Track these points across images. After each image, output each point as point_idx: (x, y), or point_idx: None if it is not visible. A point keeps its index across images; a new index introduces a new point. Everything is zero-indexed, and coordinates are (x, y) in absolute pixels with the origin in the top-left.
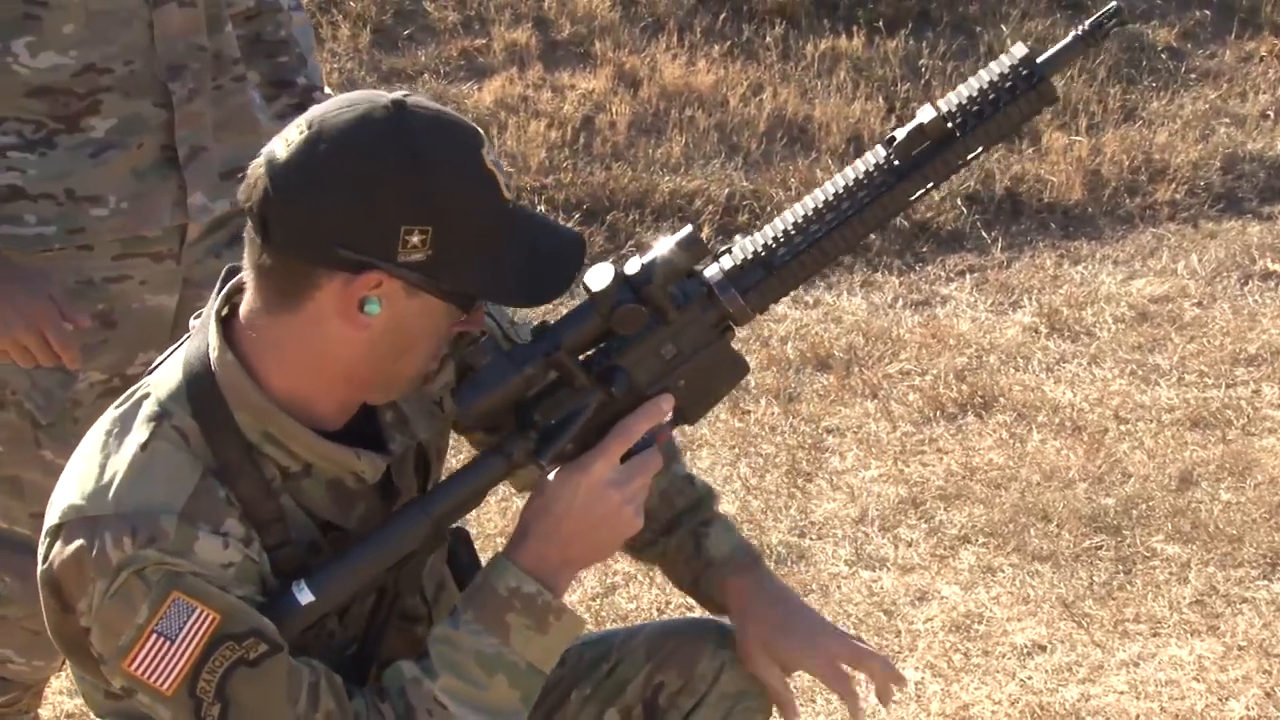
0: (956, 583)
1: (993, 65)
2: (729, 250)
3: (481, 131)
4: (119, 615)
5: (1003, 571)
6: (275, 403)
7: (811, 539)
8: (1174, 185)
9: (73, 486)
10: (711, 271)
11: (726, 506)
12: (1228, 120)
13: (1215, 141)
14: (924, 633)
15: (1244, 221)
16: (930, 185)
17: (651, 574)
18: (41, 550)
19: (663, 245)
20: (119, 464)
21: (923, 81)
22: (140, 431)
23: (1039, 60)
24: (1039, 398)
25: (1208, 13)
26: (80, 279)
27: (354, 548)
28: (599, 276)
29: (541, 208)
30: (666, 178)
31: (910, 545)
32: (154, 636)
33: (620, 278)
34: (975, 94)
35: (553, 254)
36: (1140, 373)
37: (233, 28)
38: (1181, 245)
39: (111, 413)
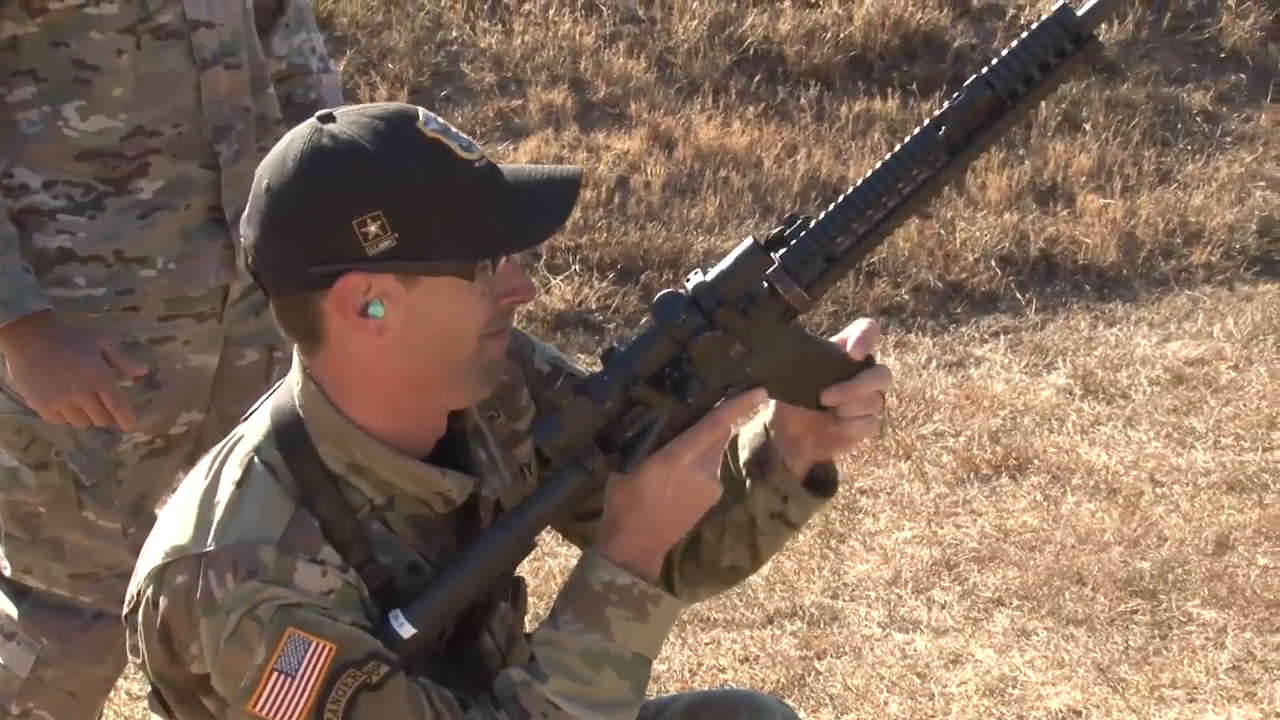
0: (990, 646)
1: (1035, 27)
2: (788, 239)
3: (419, 108)
4: (237, 658)
5: (1037, 635)
6: (361, 432)
7: (845, 600)
8: (1209, 248)
9: (172, 528)
10: (771, 267)
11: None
12: (1263, 183)
13: (1251, 204)
14: (958, 696)
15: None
16: (980, 155)
17: (683, 635)
18: (141, 592)
19: (726, 261)
20: (216, 503)
21: None
22: (234, 470)
23: (1080, 14)
24: (1074, 460)
25: (1243, 76)
26: (126, 340)
27: (445, 572)
28: (670, 308)
29: (576, 267)
30: (701, 238)
31: (944, 607)
32: (275, 675)
33: (689, 303)
34: (1024, 62)
35: (538, 194)
36: (1176, 436)
37: None
38: (1217, 308)
39: (206, 459)
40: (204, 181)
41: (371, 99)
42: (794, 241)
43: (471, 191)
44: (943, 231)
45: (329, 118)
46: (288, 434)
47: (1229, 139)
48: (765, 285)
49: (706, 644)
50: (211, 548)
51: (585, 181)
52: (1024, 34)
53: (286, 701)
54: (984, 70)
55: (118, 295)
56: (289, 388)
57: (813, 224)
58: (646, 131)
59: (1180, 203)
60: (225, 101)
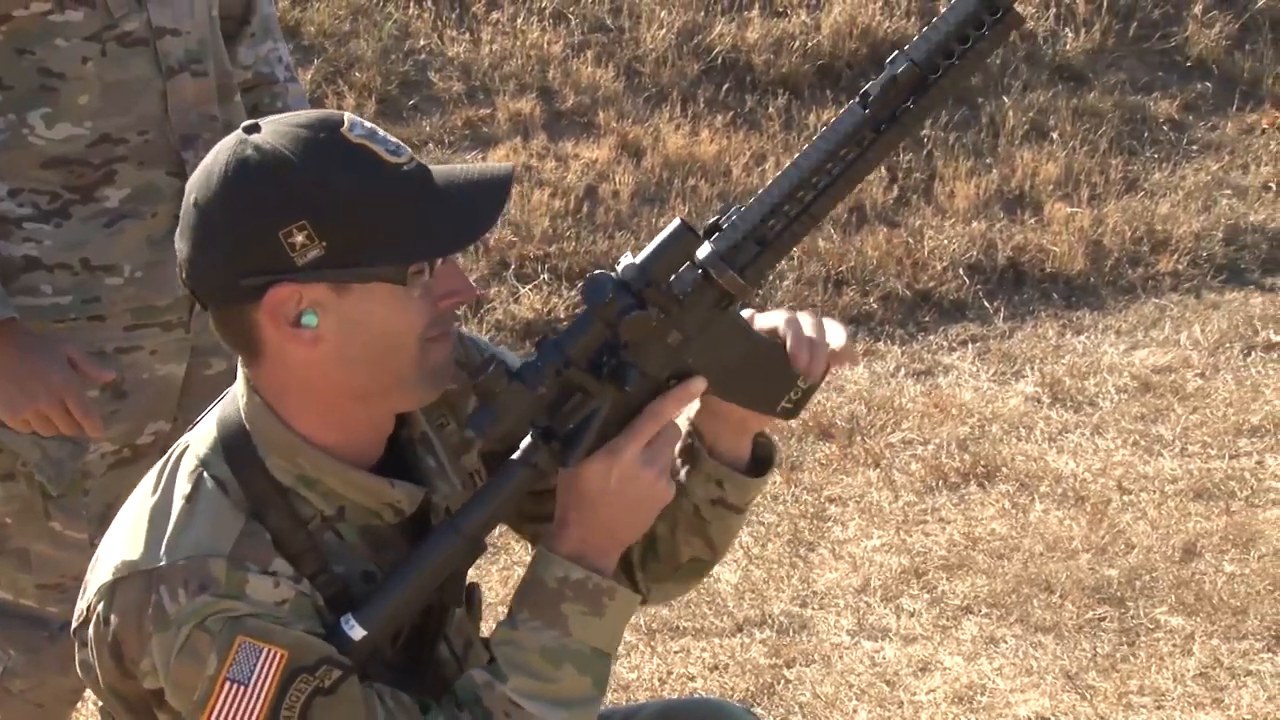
0: (959, 653)
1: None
2: (719, 227)
3: (345, 114)
4: (189, 671)
5: (1005, 642)
6: (307, 444)
7: (814, 609)
8: (1176, 256)
9: (122, 543)
10: (704, 252)
11: (728, 575)
12: (1229, 192)
13: (1217, 213)
14: (926, 704)
15: (1246, 293)
16: (909, 133)
17: (652, 644)
18: (91, 608)
19: (655, 242)
20: (166, 517)
21: (925, 152)
22: (183, 484)
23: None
24: (1041, 468)
25: (1209, 85)
26: (92, 350)
27: (394, 575)
28: (597, 288)
29: (544, 276)
30: None
31: (913, 615)
32: (228, 684)
33: (619, 284)
34: (943, 35)
35: (469, 195)
36: (1143, 443)
37: None
38: (1184, 316)
39: (154, 471)
40: (171, 189)
41: (339, 109)
42: (725, 226)
43: (399, 196)
44: (911, 240)
45: (254, 128)
46: (235, 446)
47: (1195, 147)
48: (700, 271)
49: (676, 652)
50: (163, 563)
51: (554, 191)
52: (945, 9)
53: (241, 710)
54: (905, 46)
55: (84, 304)
56: (234, 399)
57: (743, 209)
58: (615, 140)
59: (1147, 211)
60: (192, 109)
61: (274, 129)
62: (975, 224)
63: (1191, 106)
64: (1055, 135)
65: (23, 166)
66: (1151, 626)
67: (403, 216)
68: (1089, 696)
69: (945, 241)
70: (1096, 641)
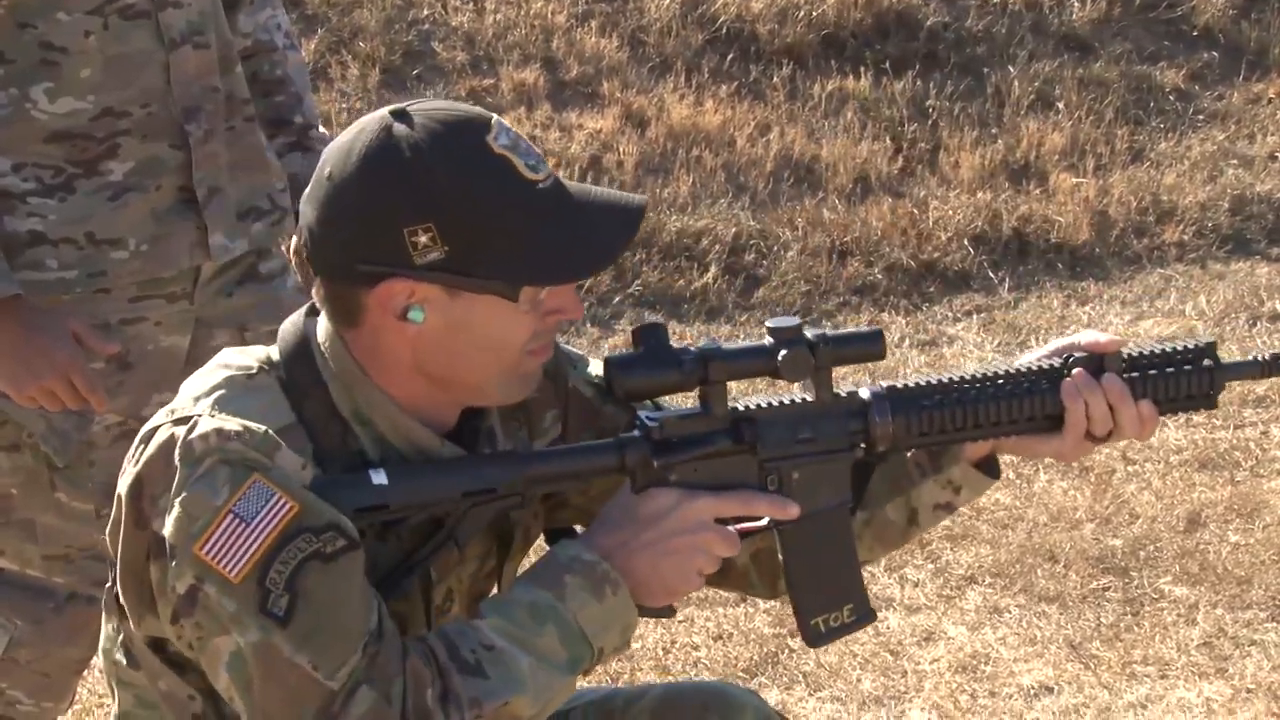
0: (963, 623)
1: (1179, 342)
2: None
3: (492, 117)
4: (199, 500)
5: (1009, 612)
6: (372, 382)
7: None
8: (1182, 226)
9: (174, 400)
10: (870, 391)
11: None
12: (1235, 162)
13: (1223, 183)
14: (930, 673)
15: (1252, 263)
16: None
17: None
18: (132, 451)
19: (854, 331)
20: (223, 381)
21: (930, 121)
22: (250, 361)
23: (1221, 359)
24: None
25: (1215, 54)
26: (96, 322)
27: (440, 463)
28: (783, 320)
29: None
30: (674, 217)
31: (917, 585)
32: (230, 517)
33: (802, 329)
34: (1158, 353)
35: (597, 222)
36: None
37: None
38: (1189, 286)
39: (220, 355)
40: (174, 162)
41: (343, 78)
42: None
43: (529, 214)
44: (915, 211)
45: (402, 115)
46: (299, 363)
47: (1201, 117)
48: (861, 396)
49: (680, 622)
50: (204, 412)
51: (558, 161)
52: (1171, 343)
53: (235, 547)
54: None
55: (89, 277)
56: (299, 326)
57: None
58: (619, 111)
59: (1153, 181)
60: (194, 81)
61: (421, 121)
62: (980, 194)
63: (1198, 76)
64: (1061, 105)
65: (26, 141)
66: (1155, 596)
67: (529, 236)
68: (1093, 666)
69: (950, 212)
70: (1100, 611)
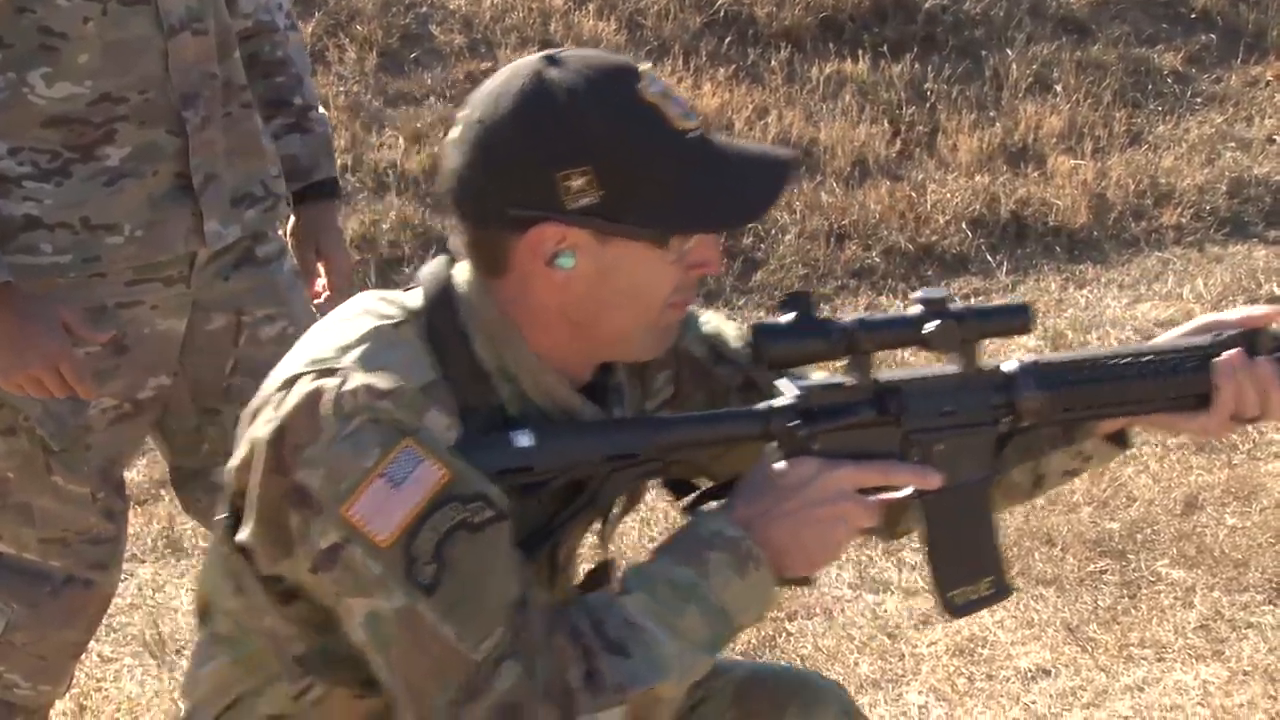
0: None
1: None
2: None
3: (642, 66)
4: (347, 459)
5: None
6: (521, 338)
7: None
8: (1180, 209)
9: (314, 345)
10: (1016, 365)
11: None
12: (1234, 144)
13: (1221, 165)
14: (928, 656)
15: (1250, 245)
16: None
17: None
18: (268, 397)
19: (995, 304)
20: (366, 332)
21: (928, 105)
22: (393, 311)
23: None
24: None
25: (1213, 37)
26: (92, 305)
27: (583, 425)
28: (932, 291)
29: None
30: None
31: (914, 568)
32: (379, 481)
33: (949, 301)
34: None
35: (747, 174)
36: None
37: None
38: (1187, 269)
39: (367, 295)
40: (171, 148)
41: (340, 61)
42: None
43: (680, 161)
44: (913, 194)
45: (553, 60)
46: (443, 316)
47: (1199, 100)
48: (1007, 368)
49: None
50: (353, 365)
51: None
52: None
53: (383, 512)
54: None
55: (85, 263)
56: (441, 274)
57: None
58: None
59: (1151, 164)
60: (193, 68)
61: (575, 68)
62: (978, 177)
63: (1196, 59)
64: (1059, 88)
65: (23, 125)
66: (1153, 579)
67: (680, 184)
68: (1089, 649)
69: (948, 195)
70: (1097, 594)
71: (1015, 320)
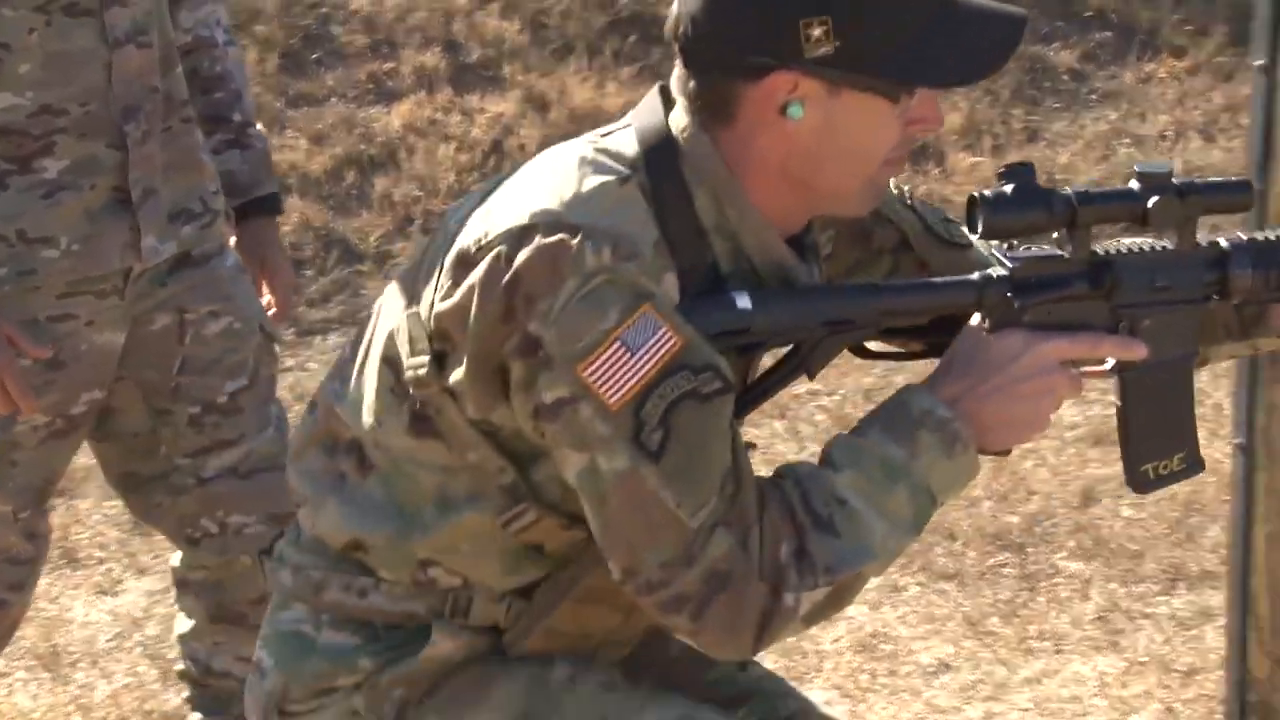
0: (863, 602)
1: None
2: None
3: None
4: (584, 318)
5: (909, 590)
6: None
7: None
8: None
9: (541, 195)
10: (1230, 241)
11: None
12: (1128, 140)
13: (1116, 161)
14: (831, 653)
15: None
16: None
17: None
18: (486, 246)
19: (1217, 179)
20: (599, 188)
21: None
22: (619, 167)
23: None
24: None
25: (1109, 34)
26: (25, 318)
27: (799, 289)
28: (1153, 165)
29: None
30: None
31: None
32: (617, 345)
33: (1172, 174)
34: None
35: (982, 28)
36: None
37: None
38: None
39: (579, 144)
40: (110, 162)
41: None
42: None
43: (921, 14)
44: None
45: None
46: (664, 168)
47: (1095, 97)
48: (1220, 246)
49: None
50: (590, 222)
51: (460, 145)
52: None
53: (618, 376)
54: None
55: (19, 275)
56: (660, 122)
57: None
58: (521, 94)
59: (1048, 160)
60: (135, 81)
61: None
62: None
63: (1091, 56)
64: None
65: None
66: (1051, 572)
67: (919, 37)
68: (990, 642)
69: None
70: (997, 588)
71: (1238, 196)
